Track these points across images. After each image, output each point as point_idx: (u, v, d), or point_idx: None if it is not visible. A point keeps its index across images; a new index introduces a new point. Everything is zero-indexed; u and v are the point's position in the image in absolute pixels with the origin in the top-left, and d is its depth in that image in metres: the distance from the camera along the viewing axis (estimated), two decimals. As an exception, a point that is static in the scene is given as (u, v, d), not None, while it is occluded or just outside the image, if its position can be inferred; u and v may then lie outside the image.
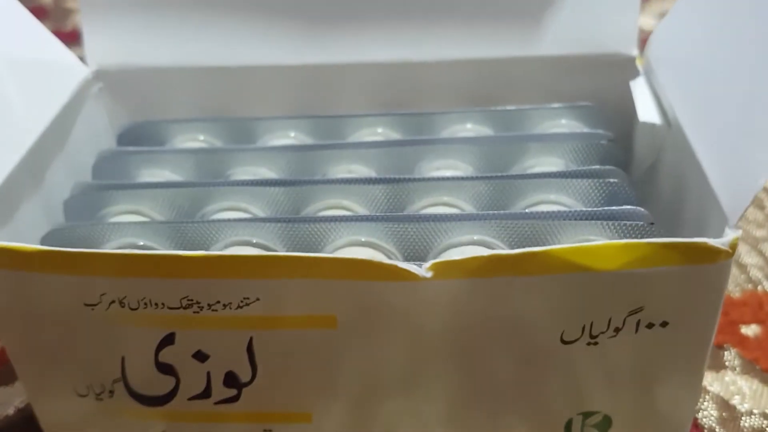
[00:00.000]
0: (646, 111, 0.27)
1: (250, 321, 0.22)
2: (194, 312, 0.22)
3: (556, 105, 0.31)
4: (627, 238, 0.24)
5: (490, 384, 0.23)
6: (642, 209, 0.25)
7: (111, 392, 0.25)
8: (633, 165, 0.30)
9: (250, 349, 0.23)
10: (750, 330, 0.32)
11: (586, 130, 0.30)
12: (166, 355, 0.23)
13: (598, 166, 0.27)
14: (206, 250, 0.26)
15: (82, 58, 0.32)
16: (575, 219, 0.25)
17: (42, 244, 0.26)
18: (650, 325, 0.22)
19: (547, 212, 0.25)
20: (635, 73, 0.30)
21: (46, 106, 0.29)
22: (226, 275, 0.21)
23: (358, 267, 0.21)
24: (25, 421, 0.30)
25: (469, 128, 0.31)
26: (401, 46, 0.31)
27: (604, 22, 0.30)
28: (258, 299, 0.22)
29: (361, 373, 0.23)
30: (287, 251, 0.26)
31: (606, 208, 0.25)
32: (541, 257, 0.20)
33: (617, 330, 0.22)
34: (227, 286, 0.22)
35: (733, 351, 0.31)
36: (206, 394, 0.24)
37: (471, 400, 0.24)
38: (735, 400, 0.29)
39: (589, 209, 0.25)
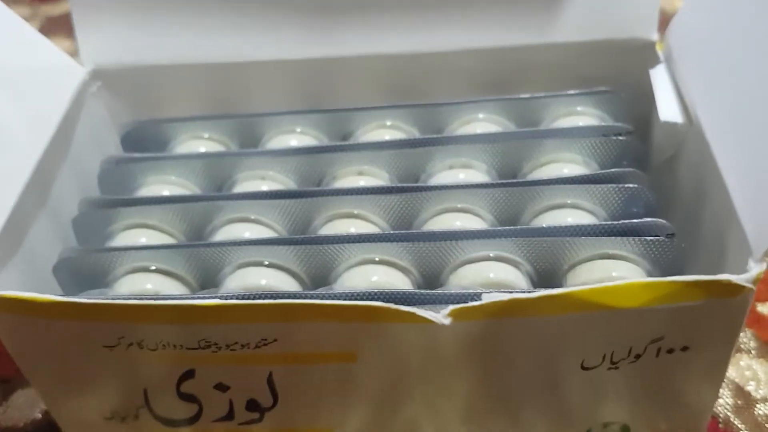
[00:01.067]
0: (667, 108, 0.26)
1: (269, 358, 0.22)
2: (212, 351, 0.22)
3: (572, 92, 0.29)
4: (648, 253, 0.24)
5: (508, 402, 0.24)
6: (662, 221, 0.24)
7: (136, 416, 0.25)
8: (652, 153, 0.29)
9: (270, 381, 0.23)
10: (767, 309, 0.32)
11: (604, 117, 0.29)
12: (188, 387, 0.24)
13: (616, 170, 0.26)
14: (219, 271, 0.26)
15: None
16: (594, 235, 0.24)
17: (54, 273, 0.26)
18: (671, 350, 0.22)
19: (566, 227, 0.24)
20: (655, 59, 0.28)
21: (47, 115, 0.28)
22: (243, 321, 0.21)
23: (376, 312, 0.20)
24: (52, 425, 0.31)
25: (482, 118, 0.30)
26: (409, 36, 0.29)
27: (621, 5, 0.28)
28: (276, 340, 0.22)
29: (382, 393, 0.24)
30: (300, 271, 0.26)
31: (626, 221, 0.24)
32: (561, 299, 0.20)
33: (638, 356, 0.22)
34: (244, 330, 0.21)
35: (749, 332, 0.31)
36: (229, 417, 0.25)
37: (489, 414, 0.24)
38: (750, 386, 0.29)
39: (609, 223, 0.24)
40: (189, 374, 0.23)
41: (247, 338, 0.22)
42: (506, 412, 0.24)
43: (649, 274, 0.24)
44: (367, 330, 0.21)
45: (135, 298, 0.24)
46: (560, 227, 0.24)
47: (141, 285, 0.25)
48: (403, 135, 0.30)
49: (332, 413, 0.24)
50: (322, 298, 0.23)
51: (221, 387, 0.24)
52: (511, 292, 0.23)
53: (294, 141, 0.30)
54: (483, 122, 0.30)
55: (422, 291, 0.23)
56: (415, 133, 0.30)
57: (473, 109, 0.30)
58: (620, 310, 0.20)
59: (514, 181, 0.26)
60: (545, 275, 0.25)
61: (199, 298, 0.23)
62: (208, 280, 0.26)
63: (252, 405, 0.24)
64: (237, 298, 0.24)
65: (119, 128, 0.32)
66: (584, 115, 0.29)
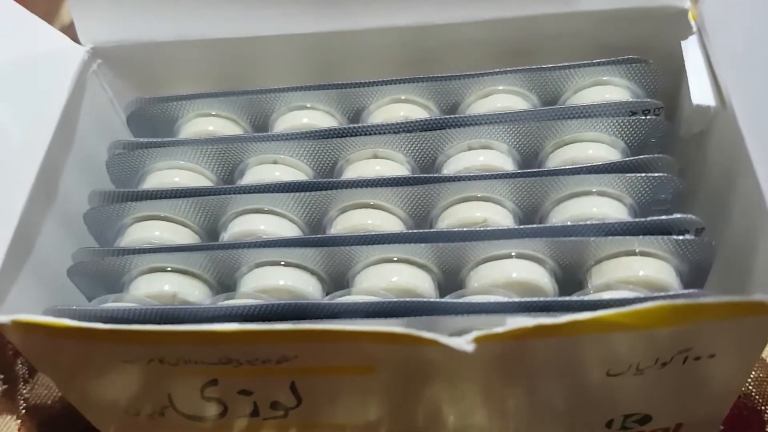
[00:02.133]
0: (700, 90, 0.25)
1: (290, 371, 0.22)
2: (234, 366, 0.22)
3: (597, 61, 0.28)
4: (677, 250, 0.23)
5: (529, 400, 0.24)
6: (692, 217, 0.23)
7: (162, 414, 0.25)
8: (681, 124, 0.28)
9: (293, 387, 0.23)
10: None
11: (632, 88, 0.28)
12: (212, 392, 0.24)
13: (645, 156, 0.25)
14: (236, 269, 0.25)
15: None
16: (621, 232, 0.23)
17: (69, 275, 0.26)
18: (698, 358, 0.22)
19: (592, 226, 0.24)
20: (687, 29, 0.26)
21: (49, 102, 0.27)
22: (262, 343, 0.21)
23: (398, 338, 0.20)
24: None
25: (501, 90, 0.28)
26: (423, 8, 0.27)
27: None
28: (297, 356, 0.21)
29: (402, 395, 0.24)
30: (318, 269, 0.25)
31: (654, 218, 0.23)
32: (589, 323, 0.19)
33: (664, 364, 0.22)
34: (264, 349, 0.21)
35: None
36: (254, 414, 0.25)
37: (510, 408, 0.24)
38: (774, 358, 0.29)
39: (636, 220, 0.23)
40: (212, 383, 0.23)
41: (267, 355, 0.21)
42: (527, 406, 0.24)
43: (677, 270, 0.24)
44: (388, 350, 0.21)
45: (153, 315, 0.24)
46: (586, 226, 0.24)
47: (158, 286, 0.25)
48: (418, 109, 0.29)
49: (355, 409, 0.24)
50: (340, 313, 0.23)
51: (245, 392, 0.24)
52: (539, 301, 0.22)
53: (305, 118, 0.29)
54: (503, 94, 0.28)
55: (446, 301, 0.22)
56: (431, 107, 0.29)
57: (492, 81, 0.28)
58: (649, 330, 0.20)
59: (537, 170, 0.25)
60: (569, 270, 0.24)
61: (215, 312, 0.23)
62: (226, 277, 0.26)
63: (276, 405, 0.24)
64: (255, 314, 0.23)
65: (124, 107, 0.30)
66: (610, 85, 0.28)
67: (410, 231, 0.24)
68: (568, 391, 0.23)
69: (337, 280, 0.25)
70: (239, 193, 0.26)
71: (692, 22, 0.26)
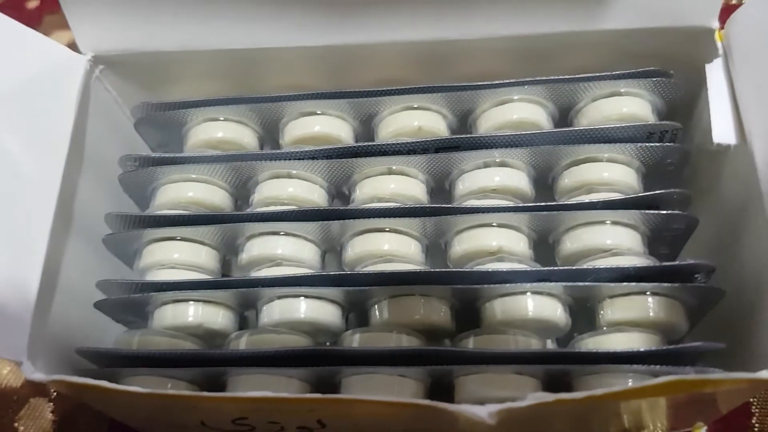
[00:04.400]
0: (722, 126, 0.24)
1: (317, 414, 0.23)
2: (264, 413, 0.23)
3: (617, 73, 0.27)
4: (688, 290, 0.24)
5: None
6: (704, 263, 0.24)
7: (195, 426, 0.27)
8: (697, 135, 0.28)
9: (319, 421, 0.24)
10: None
11: (651, 99, 0.27)
12: (243, 422, 0.25)
13: (661, 192, 0.25)
14: (256, 301, 0.26)
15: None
16: (635, 277, 0.24)
17: (96, 307, 0.26)
18: (702, 399, 0.23)
19: (607, 269, 0.24)
20: (713, 50, 0.26)
21: (58, 118, 0.27)
22: (289, 405, 0.22)
23: (423, 408, 0.21)
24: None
25: (517, 98, 0.28)
26: (440, 23, 0.26)
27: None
28: (324, 408, 0.23)
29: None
30: (337, 298, 0.26)
31: (667, 264, 0.24)
32: (605, 397, 0.20)
33: (672, 405, 0.23)
34: (291, 406, 0.22)
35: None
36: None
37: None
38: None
39: (650, 266, 0.24)
40: (243, 418, 0.24)
41: (295, 407, 0.23)
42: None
43: (686, 306, 0.24)
44: (412, 409, 0.22)
45: (182, 358, 0.24)
46: (601, 269, 0.24)
47: (183, 318, 0.26)
48: (432, 115, 0.28)
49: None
50: (361, 358, 0.24)
51: (273, 422, 0.25)
52: (556, 353, 0.23)
53: (317, 126, 0.29)
54: (519, 103, 0.28)
55: (466, 350, 0.23)
56: (445, 113, 0.29)
57: (508, 92, 0.28)
58: (666, 397, 0.21)
59: (554, 204, 0.25)
60: (582, 300, 0.25)
61: (241, 354, 0.24)
62: (248, 304, 0.26)
63: (303, 429, 0.26)
64: (280, 356, 0.24)
65: (131, 108, 0.30)
66: (628, 96, 0.27)
67: (428, 270, 0.25)
68: (578, 426, 0.24)
69: (357, 306, 0.26)
70: (255, 221, 0.26)
71: (719, 44, 0.26)
